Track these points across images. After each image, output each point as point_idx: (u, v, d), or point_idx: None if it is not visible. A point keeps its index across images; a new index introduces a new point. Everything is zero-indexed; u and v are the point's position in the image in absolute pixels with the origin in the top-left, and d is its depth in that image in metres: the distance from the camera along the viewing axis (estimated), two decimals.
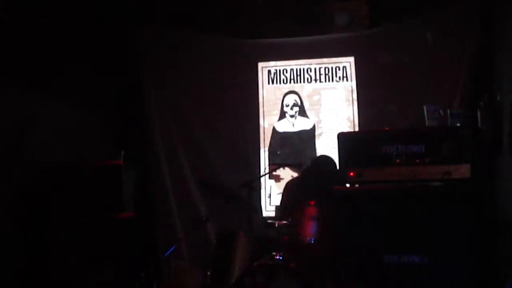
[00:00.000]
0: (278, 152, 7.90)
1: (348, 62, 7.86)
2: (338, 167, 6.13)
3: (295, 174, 7.15)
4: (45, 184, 5.88)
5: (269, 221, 5.66)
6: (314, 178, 6.21)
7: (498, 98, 5.56)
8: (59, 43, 6.46)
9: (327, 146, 7.59)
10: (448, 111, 4.84)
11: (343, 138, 4.58)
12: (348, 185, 4.62)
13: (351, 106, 7.78)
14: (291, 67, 8.05)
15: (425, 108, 4.80)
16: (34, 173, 5.89)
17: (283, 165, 7.44)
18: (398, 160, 4.33)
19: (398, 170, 4.34)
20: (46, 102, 6.24)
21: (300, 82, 8.00)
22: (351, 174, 4.43)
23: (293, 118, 7.94)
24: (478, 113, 5.71)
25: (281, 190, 6.86)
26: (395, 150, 4.34)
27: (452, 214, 4.18)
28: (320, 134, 7.82)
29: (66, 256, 5.64)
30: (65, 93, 6.47)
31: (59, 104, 6.42)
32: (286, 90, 8.04)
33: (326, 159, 6.52)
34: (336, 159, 5.63)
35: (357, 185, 4.55)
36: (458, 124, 4.76)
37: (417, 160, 4.30)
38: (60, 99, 6.42)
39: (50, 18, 6.32)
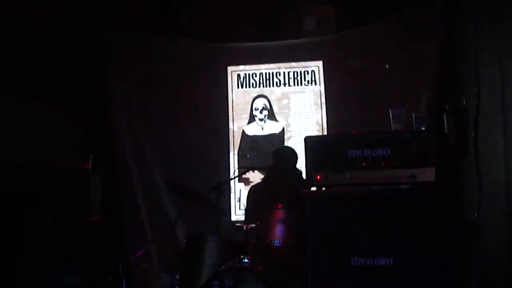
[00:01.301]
0: (248, 155, 7.93)
1: (317, 66, 7.94)
2: (297, 159, 6.24)
3: (258, 182, 7.17)
4: (9, 185, 5.83)
5: (237, 224, 5.70)
6: (277, 178, 6.25)
7: (464, 102, 5.63)
8: (27, 41, 6.42)
9: (296, 150, 7.61)
10: (413, 115, 4.86)
11: (310, 141, 4.57)
12: (314, 188, 4.64)
13: (320, 109, 7.84)
14: (261, 71, 8.10)
15: (390, 111, 4.82)
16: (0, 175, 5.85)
17: (253, 168, 7.46)
18: (363, 164, 4.35)
19: (364, 173, 4.35)
20: (11, 104, 6.21)
21: (269, 86, 8.06)
22: (318, 177, 4.43)
23: (263, 121, 7.98)
24: (444, 117, 5.77)
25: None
26: (361, 153, 4.36)
27: (417, 217, 4.21)
28: (289, 138, 7.88)
29: (30, 260, 5.59)
30: (34, 94, 6.43)
31: (25, 106, 6.38)
32: (256, 94, 8.10)
33: (285, 152, 6.57)
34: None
35: (323, 188, 4.57)
36: (423, 128, 4.79)
37: (383, 164, 4.32)
38: (26, 101, 6.38)
39: (19, 14, 6.29)
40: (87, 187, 5.87)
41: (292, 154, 6.45)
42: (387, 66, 7.09)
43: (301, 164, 6.15)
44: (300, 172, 6.18)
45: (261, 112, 8.00)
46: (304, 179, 4.68)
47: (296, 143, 7.66)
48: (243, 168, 7.62)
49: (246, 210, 6.62)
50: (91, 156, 6.15)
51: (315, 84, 7.92)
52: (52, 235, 5.61)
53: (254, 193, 6.58)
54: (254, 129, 7.99)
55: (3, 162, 5.92)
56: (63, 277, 5.58)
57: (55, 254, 5.60)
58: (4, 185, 5.83)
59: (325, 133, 7.69)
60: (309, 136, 4.71)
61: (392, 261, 4.21)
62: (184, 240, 5.95)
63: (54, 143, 6.69)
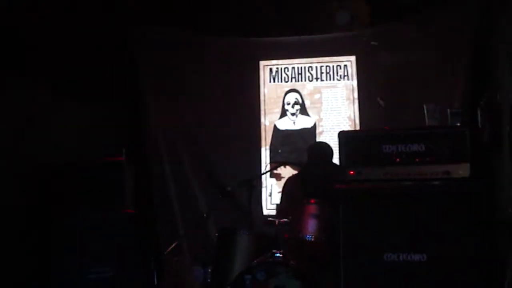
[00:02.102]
0: (279, 151, 7.92)
1: (349, 61, 7.90)
2: (333, 154, 6.22)
3: (295, 173, 7.17)
4: (46, 181, 5.91)
5: (270, 219, 5.71)
6: (312, 174, 6.24)
7: (498, 97, 5.58)
8: (62, 41, 6.48)
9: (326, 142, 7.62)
10: (448, 111, 4.85)
11: (344, 136, 4.57)
12: (348, 183, 4.64)
13: (352, 104, 7.81)
14: (293, 65, 8.10)
15: (425, 107, 4.81)
16: (35, 171, 5.92)
17: (284, 164, 7.45)
18: (398, 159, 4.34)
19: (398, 169, 4.35)
20: (48, 100, 6.28)
21: (301, 80, 8.05)
22: (351, 172, 4.44)
23: (294, 116, 7.97)
24: (478, 113, 5.73)
25: (281, 189, 6.89)
26: (395, 149, 4.35)
27: (451, 213, 4.20)
28: (321, 133, 7.86)
29: (68, 253, 5.66)
30: (66, 91, 6.50)
31: (60, 102, 6.45)
32: (288, 89, 8.08)
33: (321, 148, 6.56)
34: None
35: (357, 184, 4.56)
36: (458, 124, 4.77)
37: (417, 159, 4.31)
38: (61, 97, 6.45)
39: (52, 16, 6.35)
40: (122, 179, 5.92)
41: (327, 149, 6.42)
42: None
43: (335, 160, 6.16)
44: (337, 166, 6.14)
45: (293, 106, 7.99)
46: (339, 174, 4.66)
47: (327, 138, 7.64)
48: (275, 163, 7.61)
49: (280, 201, 6.60)
50: (123, 149, 6.20)
51: (348, 79, 7.89)
52: (88, 228, 5.68)
53: (290, 185, 6.58)
54: (286, 124, 7.98)
55: (41, 158, 6.00)
56: (97, 269, 5.64)
57: (90, 246, 5.67)
58: (41, 180, 5.91)
59: (357, 128, 7.65)
60: (343, 131, 4.73)
61: (425, 257, 4.20)
62: (216, 234, 5.97)
63: (88, 137, 6.75)
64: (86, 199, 5.77)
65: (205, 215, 6.37)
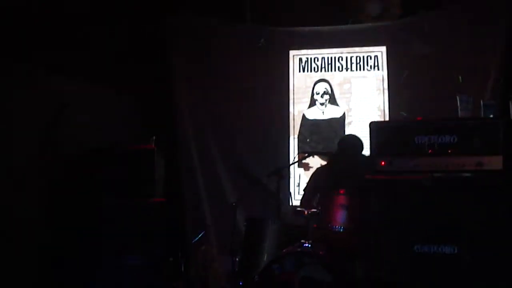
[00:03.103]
0: (308, 140, 7.90)
1: (380, 52, 7.86)
2: (363, 147, 6.18)
3: (324, 163, 7.15)
4: (78, 168, 5.95)
5: (298, 209, 5.69)
6: (342, 165, 6.21)
7: None
8: (94, 29, 6.51)
9: (357, 135, 7.57)
10: (482, 102, 4.80)
11: (375, 127, 4.54)
12: (379, 174, 4.61)
13: (382, 95, 7.77)
14: (322, 55, 8.07)
15: (458, 98, 4.76)
16: (68, 157, 5.96)
17: (313, 153, 7.44)
18: (430, 151, 4.30)
19: (430, 160, 4.31)
20: (80, 88, 6.32)
21: (331, 70, 8.02)
22: (382, 163, 4.41)
23: (323, 106, 7.94)
24: (510, 105, 5.66)
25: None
26: (427, 140, 4.31)
27: (484, 206, 4.16)
28: (350, 123, 7.83)
29: (98, 239, 5.71)
30: (98, 79, 6.53)
31: (92, 90, 6.48)
32: (317, 78, 8.05)
33: (352, 140, 6.51)
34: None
35: (388, 175, 4.53)
36: (491, 115, 4.72)
37: (449, 151, 4.27)
38: (93, 85, 6.48)
39: (84, 4, 6.38)
40: (153, 167, 5.94)
41: (358, 142, 6.38)
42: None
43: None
44: (367, 158, 6.11)
45: (322, 96, 7.96)
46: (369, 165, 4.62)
47: (356, 128, 7.61)
48: (303, 153, 7.59)
49: (304, 191, 6.58)
50: (154, 137, 6.22)
51: (378, 69, 7.84)
52: (119, 215, 5.71)
53: (318, 176, 6.56)
54: (314, 113, 7.96)
55: (72, 146, 6.05)
56: (127, 257, 5.68)
57: (120, 234, 5.70)
58: (73, 168, 5.95)
59: (387, 119, 7.60)
60: (375, 121, 4.70)
61: (456, 249, 4.17)
62: (245, 224, 5.98)
63: (119, 125, 6.80)
64: (117, 187, 5.81)
65: (233, 204, 6.36)
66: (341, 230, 5.32)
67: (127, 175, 5.86)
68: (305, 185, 6.74)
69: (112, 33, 6.86)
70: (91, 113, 6.44)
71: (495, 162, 4.24)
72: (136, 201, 5.78)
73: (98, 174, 5.91)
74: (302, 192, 7.41)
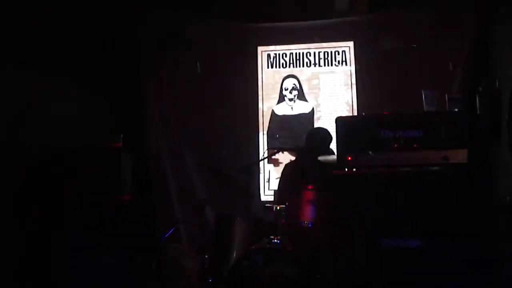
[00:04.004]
0: (277, 136, 7.91)
1: (348, 47, 7.89)
2: (332, 139, 6.20)
3: (294, 158, 7.16)
4: (42, 167, 5.88)
5: (267, 204, 5.71)
6: (310, 160, 6.22)
7: (497, 84, 5.57)
8: (61, 26, 6.45)
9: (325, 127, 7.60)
10: (446, 96, 4.84)
11: (341, 122, 4.55)
12: (346, 169, 4.62)
13: (350, 90, 7.80)
14: (291, 51, 8.08)
15: (423, 93, 4.80)
16: (32, 156, 5.89)
17: (282, 149, 7.44)
18: (396, 145, 4.33)
19: (396, 154, 4.33)
20: (45, 85, 6.25)
21: (299, 66, 8.04)
22: (349, 158, 4.42)
23: (292, 101, 7.96)
24: (477, 99, 5.71)
25: (279, 175, 6.89)
26: (393, 134, 4.33)
27: (449, 199, 4.19)
28: (318, 118, 7.85)
29: (63, 240, 5.64)
30: (64, 76, 6.46)
31: (58, 87, 6.42)
32: (285, 74, 8.06)
33: (319, 133, 6.54)
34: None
35: (354, 169, 4.54)
36: (456, 109, 4.76)
37: (415, 145, 4.30)
38: (59, 82, 6.42)
39: (54, 1, 6.33)
40: (119, 166, 5.89)
41: (325, 135, 6.40)
42: (414, 46, 7.03)
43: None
44: (333, 153, 6.14)
45: (290, 92, 7.98)
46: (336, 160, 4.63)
47: (325, 123, 7.60)
48: (273, 149, 7.59)
49: (278, 186, 6.60)
50: (121, 135, 6.17)
51: (346, 64, 7.87)
52: (84, 214, 5.65)
53: (288, 171, 6.57)
54: (283, 109, 7.97)
55: (36, 143, 5.97)
56: (94, 257, 5.62)
57: (86, 233, 5.64)
58: (37, 166, 5.88)
59: (355, 114, 7.64)
60: (341, 116, 4.69)
61: (422, 243, 4.19)
62: (214, 221, 5.97)
63: (85, 123, 6.72)
64: (82, 186, 5.74)
65: (202, 201, 6.35)
66: (310, 226, 5.33)
67: (92, 174, 5.80)
68: (276, 181, 6.76)
69: (81, 30, 6.79)
70: (58, 111, 6.37)
71: (460, 156, 4.28)
72: (101, 200, 5.73)
73: (64, 173, 5.84)
74: (272, 188, 7.46)
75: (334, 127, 4.61)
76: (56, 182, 5.76)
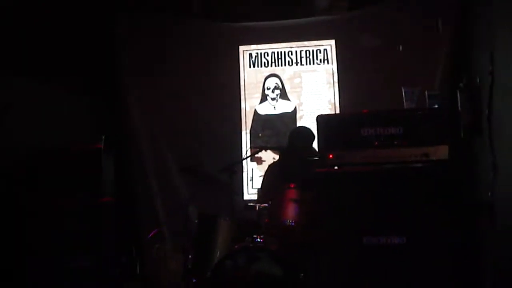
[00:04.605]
0: (260, 135, 7.91)
1: (329, 45, 7.90)
2: (314, 137, 6.20)
3: (277, 157, 7.17)
4: (23, 168, 5.85)
5: (250, 204, 5.71)
6: (293, 158, 6.23)
7: (478, 80, 5.59)
8: (39, 27, 6.42)
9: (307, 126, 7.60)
10: (426, 93, 4.85)
11: (322, 120, 4.56)
12: (327, 167, 4.63)
13: (332, 88, 7.81)
14: (272, 50, 8.07)
15: (403, 90, 4.81)
16: (12, 157, 5.86)
17: (265, 148, 7.46)
18: (376, 142, 4.33)
19: (377, 152, 4.35)
20: (25, 87, 6.22)
21: (281, 65, 8.03)
22: (330, 156, 4.43)
23: (275, 101, 7.95)
24: (458, 95, 5.73)
25: (263, 173, 6.89)
26: (374, 132, 4.34)
27: (431, 196, 4.21)
28: (301, 117, 7.85)
29: (43, 241, 5.62)
30: (44, 77, 6.43)
31: (38, 89, 6.38)
32: (267, 73, 8.06)
33: (302, 132, 6.56)
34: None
35: (336, 167, 4.55)
36: (436, 106, 4.77)
37: (395, 142, 4.31)
38: (40, 84, 6.39)
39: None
40: (100, 167, 5.87)
41: (308, 134, 6.41)
42: (400, 48, 7.04)
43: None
44: (316, 152, 6.14)
45: (273, 91, 7.98)
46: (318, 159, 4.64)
47: (308, 122, 7.61)
48: (255, 147, 7.60)
49: (261, 186, 6.60)
50: (103, 137, 6.15)
51: (328, 63, 7.88)
52: (65, 216, 5.63)
53: (271, 170, 6.58)
54: (266, 109, 7.97)
55: (17, 144, 5.94)
56: (76, 258, 5.60)
57: (68, 235, 5.62)
58: (18, 167, 5.85)
59: (338, 112, 7.66)
60: (321, 114, 4.70)
61: (405, 240, 4.21)
62: (197, 221, 5.96)
63: (67, 124, 6.69)
64: (62, 187, 5.72)
65: (185, 201, 6.34)
66: (293, 224, 5.33)
67: (72, 175, 5.78)
68: (259, 179, 6.76)
69: (59, 31, 6.76)
70: (39, 112, 6.34)
71: (441, 152, 4.29)
72: (82, 201, 5.70)
73: (44, 174, 5.81)
74: (255, 187, 7.46)
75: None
76: (34, 183, 5.74)
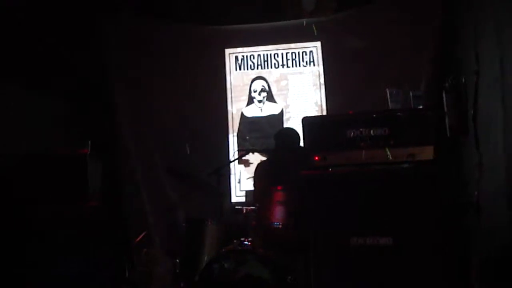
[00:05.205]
0: (247, 137, 7.92)
1: (315, 47, 7.91)
2: (300, 139, 6.19)
3: (264, 159, 7.17)
4: (7, 174, 5.81)
5: (237, 207, 5.70)
6: (280, 160, 6.24)
7: (463, 80, 5.60)
8: (24, 30, 6.39)
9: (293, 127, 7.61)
10: (411, 94, 4.86)
11: (307, 122, 4.56)
12: (313, 169, 4.63)
13: (319, 90, 7.83)
14: (258, 52, 8.09)
15: (387, 91, 4.82)
16: None
17: (252, 151, 7.44)
18: (362, 144, 4.34)
19: (363, 153, 4.36)
20: (8, 90, 6.19)
21: (268, 67, 8.05)
22: (316, 158, 4.43)
23: (261, 103, 7.96)
24: (443, 95, 5.75)
25: (251, 175, 6.90)
26: (359, 133, 4.35)
27: (417, 196, 4.21)
28: (288, 119, 7.87)
29: (30, 248, 5.58)
30: (28, 81, 6.41)
31: (23, 92, 6.36)
32: (254, 76, 8.08)
33: (288, 133, 6.57)
34: None
35: (323, 169, 4.55)
36: (421, 106, 4.79)
37: (381, 143, 4.32)
38: (24, 87, 6.36)
39: (16, 5, 6.27)
40: (86, 172, 5.84)
41: (294, 134, 6.41)
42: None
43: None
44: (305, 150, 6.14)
45: (259, 94, 7.98)
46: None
47: (295, 124, 7.57)
48: (243, 150, 7.59)
49: (254, 187, 6.59)
50: (89, 141, 6.12)
51: (314, 65, 7.90)
52: (51, 222, 5.59)
53: (259, 171, 6.57)
54: (253, 111, 7.98)
55: (1, 150, 5.91)
56: (64, 264, 5.57)
57: (55, 241, 5.58)
58: (2, 173, 5.81)
59: (325, 113, 7.67)
60: (307, 116, 4.69)
61: (392, 240, 4.21)
62: (184, 225, 5.95)
63: (53, 130, 6.67)
64: (48, 192, 5.68)
65: (172, 205, 6.33)
66: (280, 226, 5.33)
67: (58, 180, 5.74)
68: (247, 182, 6.76)
69: (45, 32, 6.74)
70: (24, 117, 6.31)
71: (426, 153, 4.30)
72: (68, 206, 5.67)
73: (30, 180, 5.78)
74: (243, 189, 7.46)
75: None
76: (20, 189, 5.70)
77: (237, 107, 8.02)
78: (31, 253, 5.54)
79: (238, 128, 7.96)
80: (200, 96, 7.94)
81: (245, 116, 7.97)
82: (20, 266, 5.53)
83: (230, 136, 7.95)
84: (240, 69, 8.07)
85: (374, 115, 4.44)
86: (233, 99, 8.03)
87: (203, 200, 6.61)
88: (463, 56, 6.05)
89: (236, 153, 7.69)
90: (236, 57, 8.09)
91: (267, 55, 8.04)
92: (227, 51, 8.14)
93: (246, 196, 7.21)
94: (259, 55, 8.06)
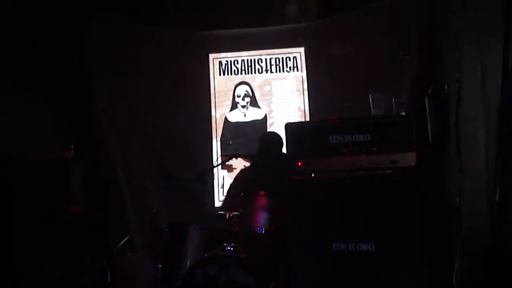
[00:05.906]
0: (230, 142, 7.92)
1: (299, 53, 7.94)
2: (283, 142, 6.21)
3: (248, 164, 7.18)
4: None
5: (220, 212, 5.69)
6: (263, 165, 6.24)
7: (445, 87, 5.64)
8: (6, 34, 6.36)
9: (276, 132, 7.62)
10: (393, 100, 4.90)
11: (290, 128, 4.58)
12: (296, 174, 4.64)
13: (302, 96, 7.86)
14: (242, 58, 8.11)
15: (370, 97, 4.85)
16: None
17: (235, 156, 7.45)
18: (344, 149, 4.36)
19: (345, 159, 4.37)
20: None
21: (251, 73, 8.07)
22: (299, 164, 4.45)
23: (245, 108, 7.97)
24: (426, 102, 5.78)
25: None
26: (342, 139, 4.37)
27: (399, 202, 4.23)
28: (271, 124, 7.89)
29: (10, 253, 5.55)
30: (12, 84, 6.37)
31: (4, 95, 6.32)
32: (238, 81, 8.09)
33: (271, 138, 6.58)
34: None
35: (305, 175, 4.56)
36: (403, 113, 4.82)
37: (363, 149, 4.34)
38: (4, 91, 6.32)
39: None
40: (67, 177, 5.81)
41: (277, 139, 6.43)
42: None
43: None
44: (287, 156, 6.14)
45: (243, 99, 8.00)
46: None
47: (279, 129, 7.61)
48: (226, 155, 7.60)
49: (227, 192, 6.59)
50: (72, 146, 6.09)
51: (297, 70, 7.93)
52: (32, 227, 5.56)
53: (241, 178, 6.57)
54: (236, 116, 7.99)
55: None
56: (45, 269, 5.54)
57: (36, 246, 5.55)
58: None
59: (308, 119, 7.70)
60: (290, 122, 4.71)
61: (374, 246, 4.23)
62: (167, 230, 5.94)
63: (35, 133, 6.63)
64: (28, 197, 5.65)
65: (155, 209, 6.31)
66: (263, 232, 5.34)
67: (39, 185, 5.71)
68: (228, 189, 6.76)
69: (27, 37, 6.70)
70: (3, 120, 6.27)
71: (408, 159, 4.32)
72: (49, 211, 5.64)
73: (10, 184, 5.74)
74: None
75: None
76: (0, 194, 5.66)
77: (221, 112, 8.02)
78: (11, 258, 5.51)
79: (222, 133, 7.97)
80: (184, 100, 7.93)
81: (229, 121, 7.98)
82: (0, 271, 5.50)
83: (214, 141, 7.94)
84: (224, 74, 8.08)
85: (357, 122, 4.47)
86: (216, 104, 8.04)
87: (186, 205, 6.59)
88: (445, 63, 6.07)
89: (220, 158, 7.69)
90: (220, 62, 8.10)
91: (251, 60, 8.06)
92: (211, 56, 8.16)
93: (225, 200, 7.19)
94: (243, 60, 8.08)
